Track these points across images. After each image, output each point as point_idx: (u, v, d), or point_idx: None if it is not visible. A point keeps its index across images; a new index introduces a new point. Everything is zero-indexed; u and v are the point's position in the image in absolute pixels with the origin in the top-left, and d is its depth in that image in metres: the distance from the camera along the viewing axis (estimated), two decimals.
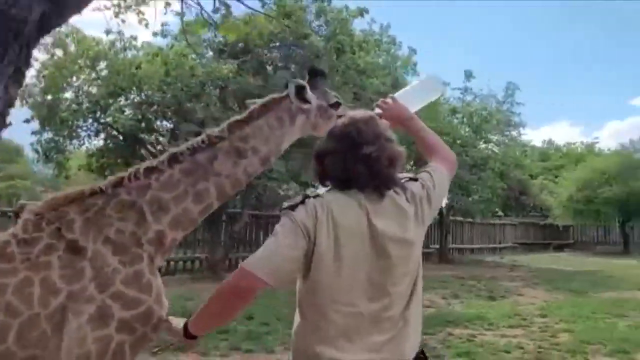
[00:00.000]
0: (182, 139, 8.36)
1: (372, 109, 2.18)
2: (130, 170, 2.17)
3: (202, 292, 8.74)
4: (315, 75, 2.49)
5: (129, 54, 10.85)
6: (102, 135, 11.98)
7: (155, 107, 10.83)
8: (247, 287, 1.68)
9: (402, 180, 1.85)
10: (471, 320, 7.54)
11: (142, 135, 11.66)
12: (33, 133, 11.12)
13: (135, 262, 2.01)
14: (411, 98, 2.31)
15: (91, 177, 12.53)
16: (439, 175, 1.95)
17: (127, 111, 11.23)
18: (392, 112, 2.17)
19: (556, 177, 25.80)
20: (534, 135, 65.02)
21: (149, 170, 2.16)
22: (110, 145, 11.96)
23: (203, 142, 2.26)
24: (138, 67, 10.18)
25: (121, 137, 11.55)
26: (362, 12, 12.14)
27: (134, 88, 10.73)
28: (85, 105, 10.97)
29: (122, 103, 11.33)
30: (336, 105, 2.42)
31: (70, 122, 10.99)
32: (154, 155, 6.94)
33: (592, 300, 9.58)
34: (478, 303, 9.16)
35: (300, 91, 2.35)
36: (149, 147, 11.77)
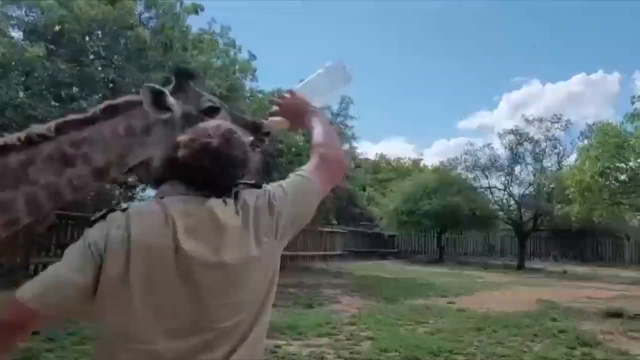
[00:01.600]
0: None
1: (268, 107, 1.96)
2: None
3: None
4: (182, 77, 2.09)
5: None
6: None
7: None
8: (16, 321, 1.31)
9: (239, 187, 1.50)
10: (281, 329, 7.48)
11: None
12: None
13: None
14: (314, 89, 2.03)
15: None
16: (298, 182, 1.57)
17: None
18: (289, 107, 1.86)
19: (385, 189, 27.52)
20: (374, 149, 68.85)
21: None
22: None
23: (20, 140, 1.81)
24: None
25: None
26: (196, 9, 11.71)
27: None
28: None
29: None
30: (212, 111, 2.03)
31: None
32: None
33: (401, 308, 10.14)
34: (294, 312, 9.19)
35: (158, 98, 1.94)
36: None
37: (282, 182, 1.57)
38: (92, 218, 1.41)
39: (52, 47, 9.59)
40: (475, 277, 18.01)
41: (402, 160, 35.56)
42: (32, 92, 8.82)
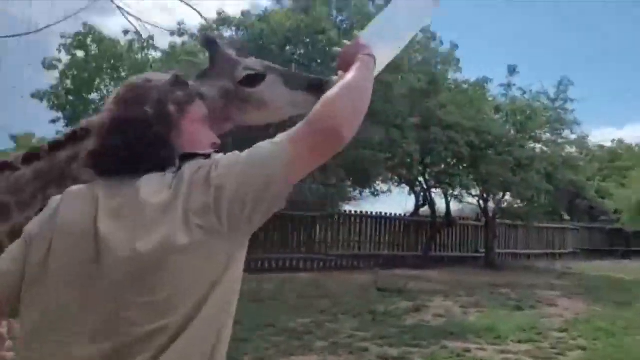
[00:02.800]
0: None
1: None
2: None
3: None
4: (210, 47, 1.82)
5: (150, 53, 10.97)
6: None
7: None
8: None
9: (183, 161, 1.20)
10: (478, 332, 6.91)
11: None
12: (58, 133, 11.41)
13: None
14: (383, 30, 1.64)
15: None
16: (259, 149, 1.19)
17: None
18: (345, 57, 1.49)
19: (625, 178, 23.97)
20: (616, 134, 60.72)
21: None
22: None
23: (66, 136, 1.83)
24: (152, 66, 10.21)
25: None
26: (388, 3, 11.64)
27: None
28: None
29: None
30: (253, 80, 1.74)
31: None
32: None
33: (631, 314, 8.63)
34: (498, 313, 8.44)
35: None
36: None
37: (236, 154, 1.20)
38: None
39: None
40: None
41: None
42: None
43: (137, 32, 10.16)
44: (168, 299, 1.09)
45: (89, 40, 10.25)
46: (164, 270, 1.09)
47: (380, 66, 1.57)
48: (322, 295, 9.67)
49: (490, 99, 15.83)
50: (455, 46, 15.08)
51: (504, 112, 15.66)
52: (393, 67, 11.55)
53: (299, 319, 7.51)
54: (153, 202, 1.12)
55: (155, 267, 1.09)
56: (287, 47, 10.88)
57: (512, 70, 15.58)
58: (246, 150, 1.19)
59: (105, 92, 11.24)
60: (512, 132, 15.27)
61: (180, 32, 11.33)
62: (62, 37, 10.25)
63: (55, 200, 1.25)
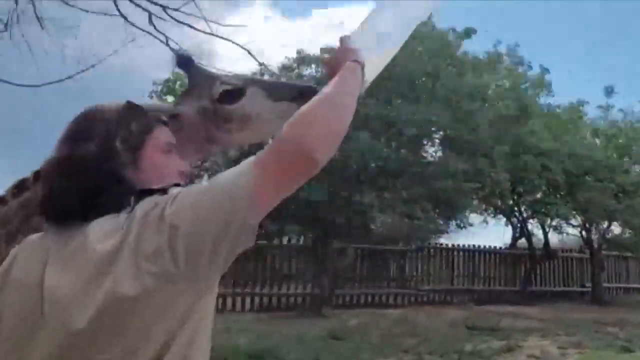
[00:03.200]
0: None
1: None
2: None
3: (294, 331, 8.64)
4: (184, 66, 1.63)
5: None
6: None
7: None
8: None
9: (139, 198, 1.09)
10: None
11: None
12: None
13: None
14: (371, 32, 1.43)
15: None
16: (221, 179, 1.06)
17: None
18: (332, 64, 1.31)
19: None
20: None
21: None
22: None
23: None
24: None
25: None
26: (469, 32, 11.42)
27: None
28: None
29: None
30: (234, 94, 1.52)
31: None
32: None
33: None
34: (602, 354, 7.72)
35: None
36: None
37: (205, 182, 1.09)
38: None
39: None
40: None
41: None
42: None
43: None
44: (121, 356, 0.98)
45: (177, 85, 10.86)
46: (112, 327, 0.98)
47: (373, 73, 1.40)
48: (409, 333, 9.33)
49: (587, 122, 14.93)
50: (545, 70, 14.48)
51: (603, 136, 14.66)
52: (478, 96, 11.26)
53: (380, 357, 7.28)
54: (100, 250, 1.01)
55: (102, 323, 0.97)
56: None
57: (609, 91, 14.65)
58: (207, 182, 1.08)
59: None
60: (614, 156, 14.21)
61: (262, 73, 11.72)
62: (153, 83, 10.99)
63: (14, 250, 1.18)
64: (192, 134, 1.52)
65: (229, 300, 11.26)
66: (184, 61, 1.63)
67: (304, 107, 1.11)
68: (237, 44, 7.32)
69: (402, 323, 10.47)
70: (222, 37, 7.12)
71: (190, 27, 6.91)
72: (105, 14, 6.79)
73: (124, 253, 0.99)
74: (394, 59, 1.54)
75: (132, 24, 6.71)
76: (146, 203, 1.05)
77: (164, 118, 1.29)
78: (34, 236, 1.18)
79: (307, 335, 8.28)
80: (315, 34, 31.78)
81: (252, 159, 1.06)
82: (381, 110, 9.85)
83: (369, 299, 13.28)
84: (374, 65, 1.40)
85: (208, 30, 7.01)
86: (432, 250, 15.09)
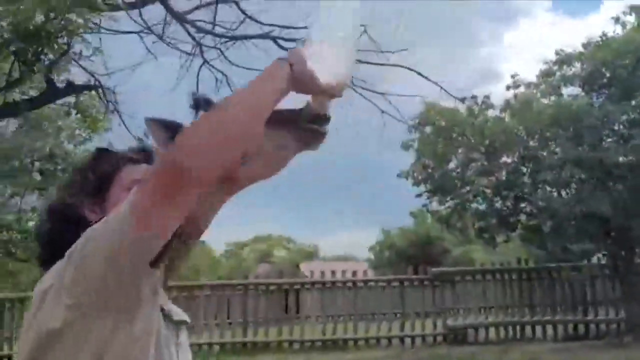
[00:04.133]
0: None
1: None
2: None
3: None
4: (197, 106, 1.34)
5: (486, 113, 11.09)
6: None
7: None
8: None
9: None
10: None
11: None
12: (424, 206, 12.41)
13: None
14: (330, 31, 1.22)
15: None
16: (110, 218, 1.01)
17: None
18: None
19: None
20: None
21: None
22: None
23: None
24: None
25: None
26: None
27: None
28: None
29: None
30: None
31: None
32: None
33: None
34: None
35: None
36: None
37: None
38: None
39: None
40: None
41: None
42: None
43: (473, 97, 10.53)
44: None
45: (432, 113, 10.81)
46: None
47: (333, 75, 1.14)
48: None
49: None
50: None
51: None
52: None
53: None
54: (39, 289, 1.04)
55: (36, 357, 1.01)
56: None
57: None
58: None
59: (458, 161, 11.52)
60: None
61: (516, 85, 10.96)
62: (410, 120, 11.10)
63: None
64: None
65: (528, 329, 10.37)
66: (197, 102, 1.42)
67: (198, 117, 1.09)
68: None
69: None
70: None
71: None
72: None
73: (52, 290, 1.01)
74: None
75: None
76: (81, 237, 1.03)
77: (134, 156, 1.27)
78: None
79: None
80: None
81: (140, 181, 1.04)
82: None
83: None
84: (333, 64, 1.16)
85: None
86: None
